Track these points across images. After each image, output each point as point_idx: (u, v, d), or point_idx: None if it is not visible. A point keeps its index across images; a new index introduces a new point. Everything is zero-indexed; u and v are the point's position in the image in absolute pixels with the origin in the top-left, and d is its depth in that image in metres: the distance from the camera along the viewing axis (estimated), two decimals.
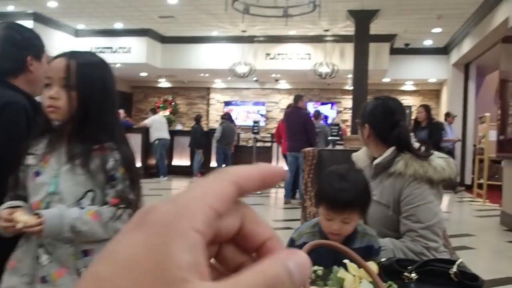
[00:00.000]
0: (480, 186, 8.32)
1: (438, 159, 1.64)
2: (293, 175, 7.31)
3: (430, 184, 1.62)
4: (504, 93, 6.02)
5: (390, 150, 1.70)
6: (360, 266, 0.81)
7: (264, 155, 10.95)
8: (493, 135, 6.96)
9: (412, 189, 1.61)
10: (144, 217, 0.22)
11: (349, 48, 10.23)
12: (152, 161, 10.87)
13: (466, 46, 9.93)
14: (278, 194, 8.63)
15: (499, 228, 5.68)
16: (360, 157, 1.88)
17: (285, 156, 7.93)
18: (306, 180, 2.50)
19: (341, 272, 1.14)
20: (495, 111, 7.19)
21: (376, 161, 1.72)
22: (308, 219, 2.43)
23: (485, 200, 7.83)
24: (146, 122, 10.70)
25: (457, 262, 1.31)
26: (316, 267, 1.17)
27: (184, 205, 0.22)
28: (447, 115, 9.34)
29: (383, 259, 1.39)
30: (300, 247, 1.30)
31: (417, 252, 1.55)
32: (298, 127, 7.07)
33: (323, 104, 14.50)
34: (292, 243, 1.44)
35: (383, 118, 1.76)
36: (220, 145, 10.63)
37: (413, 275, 1.29)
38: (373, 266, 1.13)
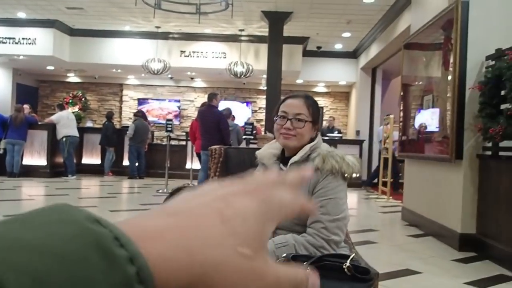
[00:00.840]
0: (385, 184, 8.80)
1: (349, 155, 1.73)
2: (206, 174, 7.33)
3: (344, 180, 1.69)
4: (406, 96, 6.40)
5: (308, 147, 1.72)
6: None
7: (179, 153, 10.80)
8: (396, 136, 7.39)
9: (327, 182, 1.66)
10: (255, 188, 0.32)
11: (264, 48, 10.37)
12: (59, 160, 10.27)
13: (373, 51, 10.49)
14: None
15: (401, 223, 6.03)
16: (265, 155, 1.85)
17: (198, 155, 7.93)
18: (212, 177, 2.46)
19: None
20: (399, 113, 7.64)
21: (295, 159, 1.72)
22: None
23: (389, 197, 8.30)
24: (53, 118, 10.10)
25: (351, 257, 1.34)
26: None
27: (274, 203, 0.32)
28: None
29: (283, 255, 1.39)
30: None
31: (318, 246, 1.57)
32: (211, 126, 7.07)
33: (242, 103, 14.61)
34: None
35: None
36: (133, 143, 10.35)
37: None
38: None
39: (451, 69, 4.65)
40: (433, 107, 5.21)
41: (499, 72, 3.94)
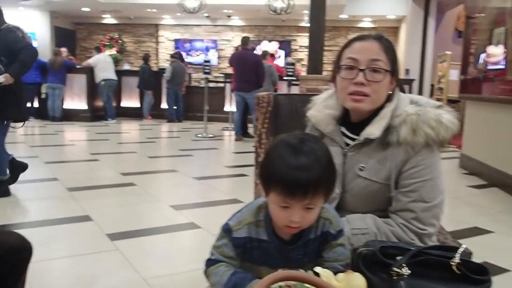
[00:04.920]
0: None
1: (443, 112, 1.21)
2: (241, 113, 7.78)
3: (441, 147, 1.22)
4: (468, 30, 5.75)
5: (388, 112, 1.22)
6: None
7: (217, 96, 10.50)
8: (453, 75, 6.77)
9: (420, 158, 1.20)
10: None
11: None
12: (99, 103, 10.19)
13: None
14: (232, 137, 8.30)
15: (458, 171, 5.58)
16: (322, 119, 1.33)
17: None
18: (260, 130, 2.11)
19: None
20: (454, 50, 6.98)
21: (372, 133, 1.21)
22: None
23: None
24: (90, 61, 9.94)
25: (460, 250, 0.99)
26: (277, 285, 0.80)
27: None
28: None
29: (361, 247, 1.05)
30: (237, 240, 0.75)
31: (406, 242, 1.18)
32: (249, 69, 7.28)
33: (280, 42, 13.99)
34: (228, 233, 1.05)
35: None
36: (171, 86, 10.14)
37: (405, 269, 0.96)
38: (358, 279, 0.78)
39: None
40: (505, 42, 4.59)
41: None
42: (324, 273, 0.78)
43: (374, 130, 1.22)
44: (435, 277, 0.98)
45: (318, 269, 0.80)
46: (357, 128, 1.27)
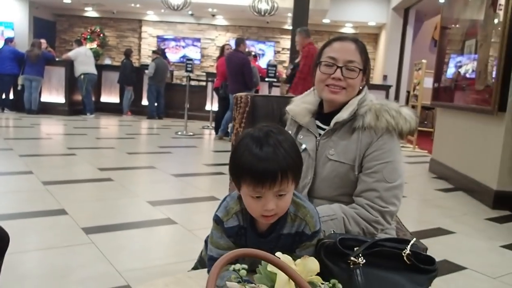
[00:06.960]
0: None
1: (403, 107, 1.42)
2: (231, 113, 7.68)
3: (399, 138, 1.40)
4: (442, 40, 5.94)
5: (356, 100, 1.41)
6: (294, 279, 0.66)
7: (198, 94, 10.54)
8: (428, 82, 6.97)
9: (382, 143, 1.36)
10: None
11: None
12: (78, 97, 10.13)
13: None
14: (211, 136, 8.35)
15: (428, 175, 5.76)
16: (299, 112, 1.52)
17: (216, 90, 8.31)
18: (237, 130, 2.20)
19: (271, 266, 0.86)
20: (431, 58, 7.19)
21: (341, 117, 1.39)
22: None
23: (415, 146, 7.99)
24: (70, 54, 9.88)
25: (411, 242, 1.09)
26: (238, 266, 0.88)
27: None
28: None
29: (324, 238, 1.14)
30: (230, 230, 0.90)
31: (371, 220, 1.33)
32: (236, 70, 7.32)
33: (260, 42, 14.09)
34: (220, 224, 1.12)
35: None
36: (153, 82, 10.12)
37: (361, 259, 1.05)
38: (313, 263, 0.87)
39: (500, 11, 4.19)
40: (475, 53, 4.77)
41: None
42: (284, 258, 0.86)
43: (343, 115, 1.40)
44: (388, 266, 1.07)
45: (278, 254, 0.88)
46: (329, 119, 1.44)
